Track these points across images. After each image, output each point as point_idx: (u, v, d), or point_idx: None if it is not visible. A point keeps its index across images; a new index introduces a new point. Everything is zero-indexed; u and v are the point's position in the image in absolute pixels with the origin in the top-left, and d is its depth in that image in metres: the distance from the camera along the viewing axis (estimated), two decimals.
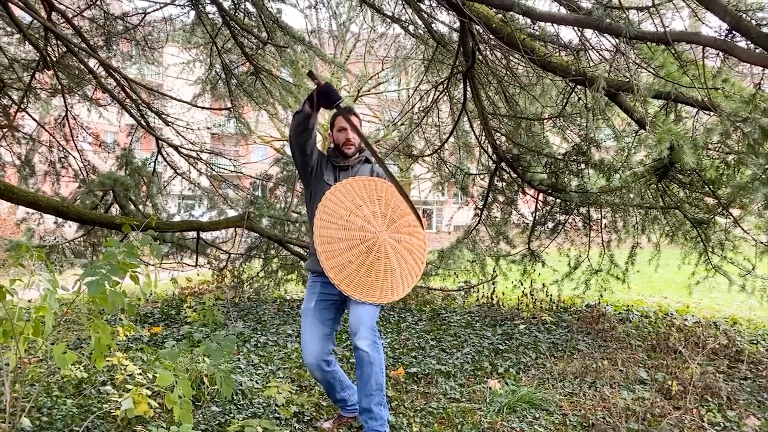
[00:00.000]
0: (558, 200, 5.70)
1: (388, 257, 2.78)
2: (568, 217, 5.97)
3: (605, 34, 2.97)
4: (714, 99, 3.16)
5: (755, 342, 5.09)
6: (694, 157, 2.98)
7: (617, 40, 3.30)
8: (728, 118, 2.77)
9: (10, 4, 4.08)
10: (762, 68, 2.48)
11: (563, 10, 2.88)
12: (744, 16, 2.27)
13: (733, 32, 2.32)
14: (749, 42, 2.36)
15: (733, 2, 2.30)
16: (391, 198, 2.88)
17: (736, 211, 5.35)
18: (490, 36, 3.57)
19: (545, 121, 5.21)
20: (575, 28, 3.19)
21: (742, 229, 5.09)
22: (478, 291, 6.76)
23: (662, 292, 8.49)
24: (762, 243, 5.13)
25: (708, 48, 2.51)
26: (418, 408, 3.34)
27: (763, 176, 2.90)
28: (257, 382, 3.66)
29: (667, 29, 2.38)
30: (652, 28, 2.86)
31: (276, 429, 2.79)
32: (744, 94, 2.75)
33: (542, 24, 3.54)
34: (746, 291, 5.61)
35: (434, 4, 4.98)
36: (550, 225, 6.11)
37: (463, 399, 3.53)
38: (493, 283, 6.60)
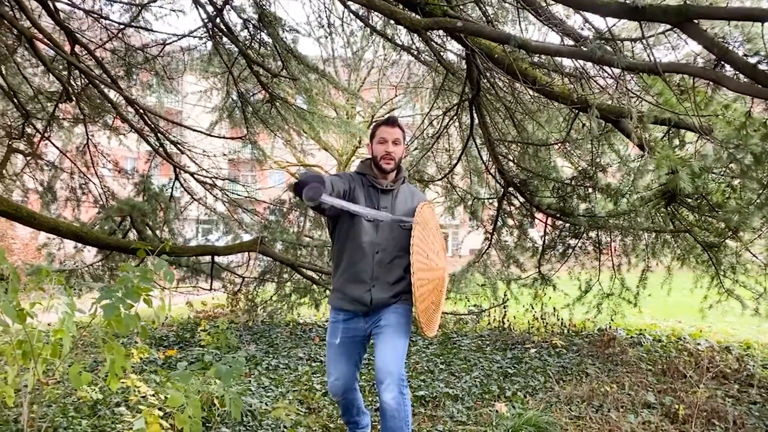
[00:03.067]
0: (567, 224, 5.75)
1: (443, 291, 2.74)
2: (577, 241, 6.00)
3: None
4: (714, 125, 3.23)
5: None
6: (690, 182, 3.03)
7: (617, 71, 3.38)
8: (721, 145, 2.83)
9: (35, 39, 4.30)
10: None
11: (559, 40, 2.97)
12: (731, 47, 2.35)
13: (722, 62, 2.40)
14: (737, 72, 2.44)
15: (720, 34, 2.38)
16: (435, 225, 2.76)
17: (747, 235, 5.36)
18: (490, 66, 3.68)
19: (551, 146, 5.29)
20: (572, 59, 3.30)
21: (751, 253, 5.08)
22: (489, 315, 6.79)
23: (677, 316, 8.42)
24: None
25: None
26: (425, 431, 3.38)
27: (758, 200, 2.94)
28: (267, 405, 3.73)
29: (658, 60, 2.47)
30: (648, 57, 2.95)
31: None
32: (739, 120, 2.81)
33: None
34: (759, 315, 5.57)
35: (443, 33, 5.13)
36: (560, 249, 6.14)
37: (470, 422, 3.56)
38: (505, 307, 6.62)
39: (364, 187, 2.74)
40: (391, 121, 2.74)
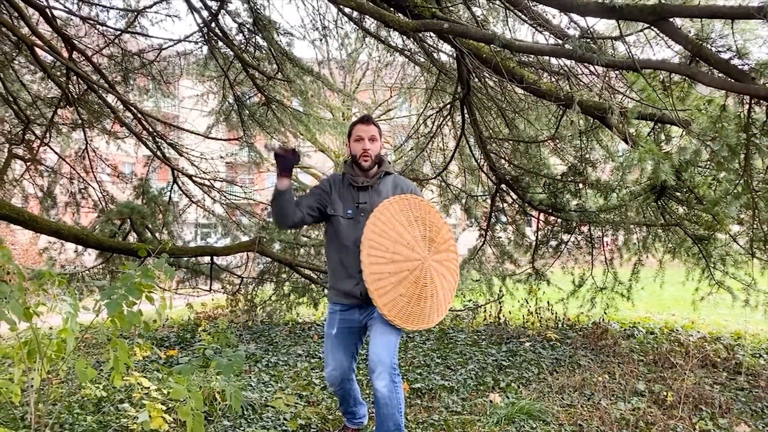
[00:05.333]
0: (559, 220, 5.86)
1: (434, 281, 2.74)
2: (570, 236, 6.10)
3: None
4: (696, 119, 3.33)
5: (757, 355, 5.16)
6: (673, 174, 3.14)
7: (602, 68, 3.49)
8: (698, 137, 2.94)
9: (35, 47, 4.39)
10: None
11: (543, 40, 3.08)
12: (704, 44, 2.46)
13: (696, 58, 2.50)
14: (711, 67, 2.55)
15: (694, 32, 2.49)
16: (426, 215, 2.81)
17: (735, 227, 5.48)
18: (479, 65, 3.79)
19: (541, 143, 5.40)
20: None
21: (738, 244, 5.19)
22: (485, 310, 6.89)
23: (670, 310, 8.53)
24: (761, 258, 5.23)
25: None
26: (421, 420, 3.48)
27: (735, 191, 3.05)
28: (267, 399, 3.83)
29: (636, 57, 2.58)
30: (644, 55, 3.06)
31: None
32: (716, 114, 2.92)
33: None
34: (749, 306, 5.68)
35: (435, 35, 5.24)
36: (553, 244, 6.24)
37: (465, 412, 3.66)
38: (500, 303, 6.72)
39: (342, 188, 2.88)
40: (366, 119, 2.87)
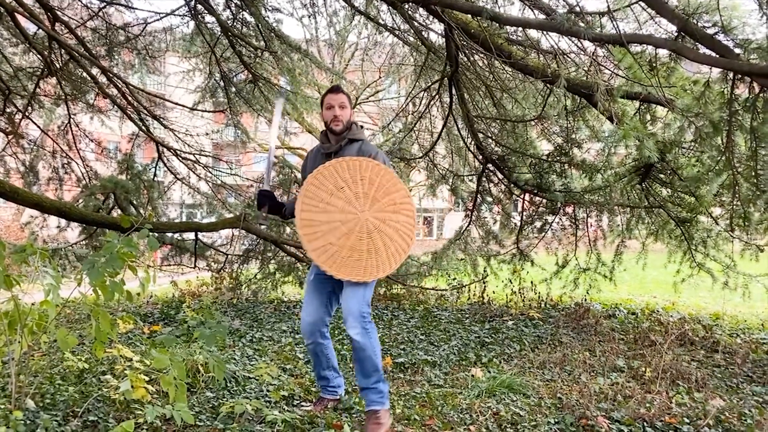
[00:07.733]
0: (544, 200, 5.89)
1: (371, 237, 2.86)
2: (554, 216, 6.15)
3: (574, 38, 3.17)
4: (681, 97, 3.35)
5: (734, 335, 5.25)
6: (656, 152, 3.17)
7: (590, 45, 3.49)
8: (682, 114, 2.97)
9: (16, 14, 4.31)
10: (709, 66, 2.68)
11: (532, 15, 3.07)
12: (690, 19, 2.47)
13: (682, 34, 2.52)
14: (696, 42, 2.56)
15: (681, 6, 2.50)
16: (376, 177, 2.90)
17: (717, 210, 5.55)
18: (468, 42, 3.78)
19: (528, 122, 5.41)
20: (544, 32, 3.40)
21: (720, 226, 5.26)
22: (469, 290, 6.93)
23: (652, 292, 8.64)
24: (741, 240, 5.30)
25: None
26: (403, 393, 3.51)
27: (717, 167, 3.09)
28: (250, 372, 3.84)
29: (622, 31, 2.58)
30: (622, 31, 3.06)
31: (264, 409, 2.97)
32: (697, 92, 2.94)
33: (515, 28, 3.74)
34: (729, 287, 5.78)
35: (425, 13, 5.21)
36: (538, 225, 6.29)
37: (447, 385, 3.70)
38: (484, 283, 6.76)
39: (317, 157, 3.10)
40: (335, 88, 3.07)
